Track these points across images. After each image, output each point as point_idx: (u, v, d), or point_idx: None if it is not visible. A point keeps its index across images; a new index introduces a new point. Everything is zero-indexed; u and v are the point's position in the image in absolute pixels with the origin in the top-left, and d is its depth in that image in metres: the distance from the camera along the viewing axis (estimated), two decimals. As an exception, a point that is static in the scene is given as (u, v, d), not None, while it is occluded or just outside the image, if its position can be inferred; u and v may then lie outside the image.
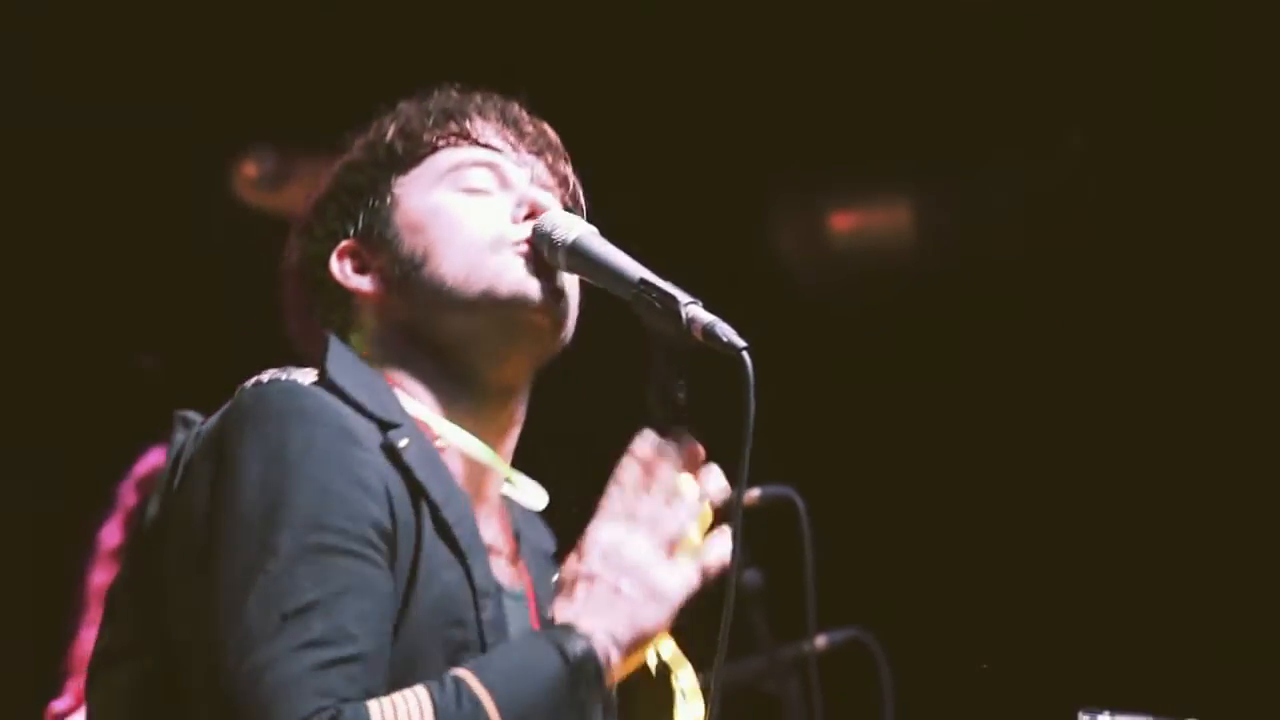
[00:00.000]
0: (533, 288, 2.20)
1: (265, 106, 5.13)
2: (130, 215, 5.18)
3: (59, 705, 3.96)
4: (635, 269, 2.15)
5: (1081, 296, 5.38)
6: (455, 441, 2.19)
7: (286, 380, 2.08)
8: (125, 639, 2.12)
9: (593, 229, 2.21)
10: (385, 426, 2.09)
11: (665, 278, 2.15)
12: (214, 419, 2.09)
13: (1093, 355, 5.34)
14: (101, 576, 4.02)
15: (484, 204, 2.25)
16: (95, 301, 5.25)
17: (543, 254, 2.20)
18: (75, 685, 3.96)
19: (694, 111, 5.29)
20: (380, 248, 2.25)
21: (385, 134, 2.31)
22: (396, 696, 1.95)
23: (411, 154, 2.29)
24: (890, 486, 5.39)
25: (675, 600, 2.07)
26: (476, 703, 1.95)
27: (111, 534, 4.07)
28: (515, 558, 2.28)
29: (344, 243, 2.28)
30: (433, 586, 2.06)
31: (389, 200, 2.27)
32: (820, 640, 4.18)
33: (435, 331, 2.21)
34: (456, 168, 2.27)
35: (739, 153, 5.46)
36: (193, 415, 2.13)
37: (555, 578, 2.10)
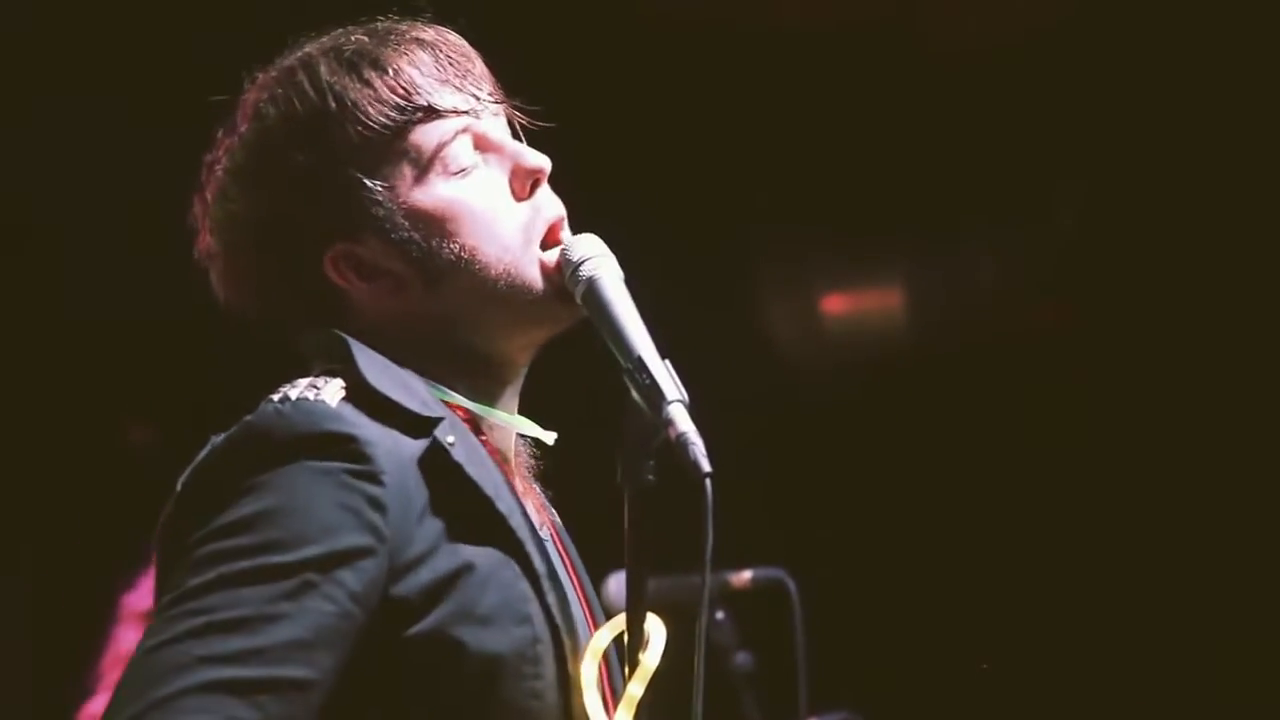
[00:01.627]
0: (564, 295, 2.16)
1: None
2: (126, 286, 5.18)
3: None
4: (637, 341, 2.10)
5: (1073, 377, 5.39)
6: (482, 415, 2.16)
7: (315, 401, 2.02)
8: None
9: (618, 272, 2.16)
10: (430, 424, 2.05)
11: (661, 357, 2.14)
12: (232, 432, 2.04)
13: (1085, 437, 5.35)
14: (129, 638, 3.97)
15: (488, 189, 2.17)
16: (84, 373, 5.25)
17: (565, 275, 2.17)
18: None
19: (682, 193, 5.31)
20: (391, 252, 2.13)
21: (323, 110, 2.13)
22: None
23: (375, 141, 2.13)
24: (881, 569, 5.38)
25: None
26: None
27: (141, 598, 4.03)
28: (533, 493, 2.26)
29: (337, 247, 2.14)
30: (489, 592, 2.02)
31: (379, 198, 2.13)
32: (811, 724, 4.16)
33: (469, 327, 2.16)
34: (439, 150, 2.15)
35: (728, 234, 5.48)
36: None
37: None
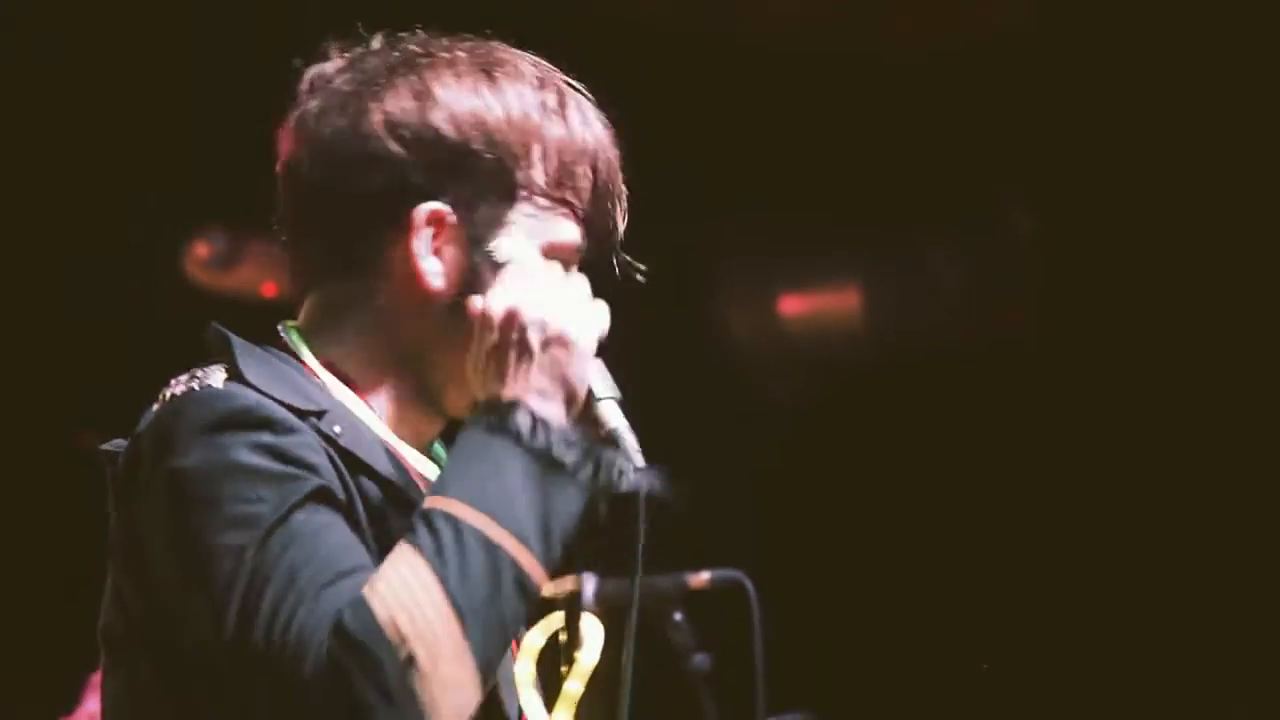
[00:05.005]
0: None
1: (217, 186, 5.13)
2: (81, 289, 5.16)
3: None
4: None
5: (1032, 380, 5.41)
6: (392, 445, 2.13)
7: (201, 389, 2.02)
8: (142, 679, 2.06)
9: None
10: (310, 415, 2.03)
11: (610, 366, 2.12)
12: (136, 445, 2.03)
13: (1044, 440, 5.36)
14: None
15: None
16: (38, 380, 5.23)
17: None
18: None
19: (640, 193, 5.30)
20: (467, 257, 2.10)
21: (565, 132, 2.12)
22: (383, 568, 1.92)
23: (546, 187, 2.11)
24: (839, 570, 5.39)
25: (588, 342, 2.05)
26: (451, 520, 1.92)
27: None
28: None
29: (442, 208, 2.09)
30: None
31: (505, 219, 2.10)
32: (769, 725, 4.16)
33: (441, 381, 2.13)
34: (562, 250, 2.12)
35: (686, 235, 5.49)
36: (115, 448, 2.08)
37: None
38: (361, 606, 1.89)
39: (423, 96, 2.09)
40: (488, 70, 2.12)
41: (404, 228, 2.09)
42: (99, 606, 2.13)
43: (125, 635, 2.07)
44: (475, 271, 2.10)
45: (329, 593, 1.90)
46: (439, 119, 2.09)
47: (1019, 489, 5.34)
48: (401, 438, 2.14)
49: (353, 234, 2.12)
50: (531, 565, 1.94)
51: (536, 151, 2.10)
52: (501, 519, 1.93)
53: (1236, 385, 5.23)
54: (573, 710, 2.10)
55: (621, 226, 2.18)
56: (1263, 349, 5.19)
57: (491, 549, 1.92)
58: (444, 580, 1.90)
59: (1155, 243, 5.26)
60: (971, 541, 5.33)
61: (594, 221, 2.15)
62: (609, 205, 2.17)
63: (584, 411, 2.05)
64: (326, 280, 2.15)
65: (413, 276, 2.10)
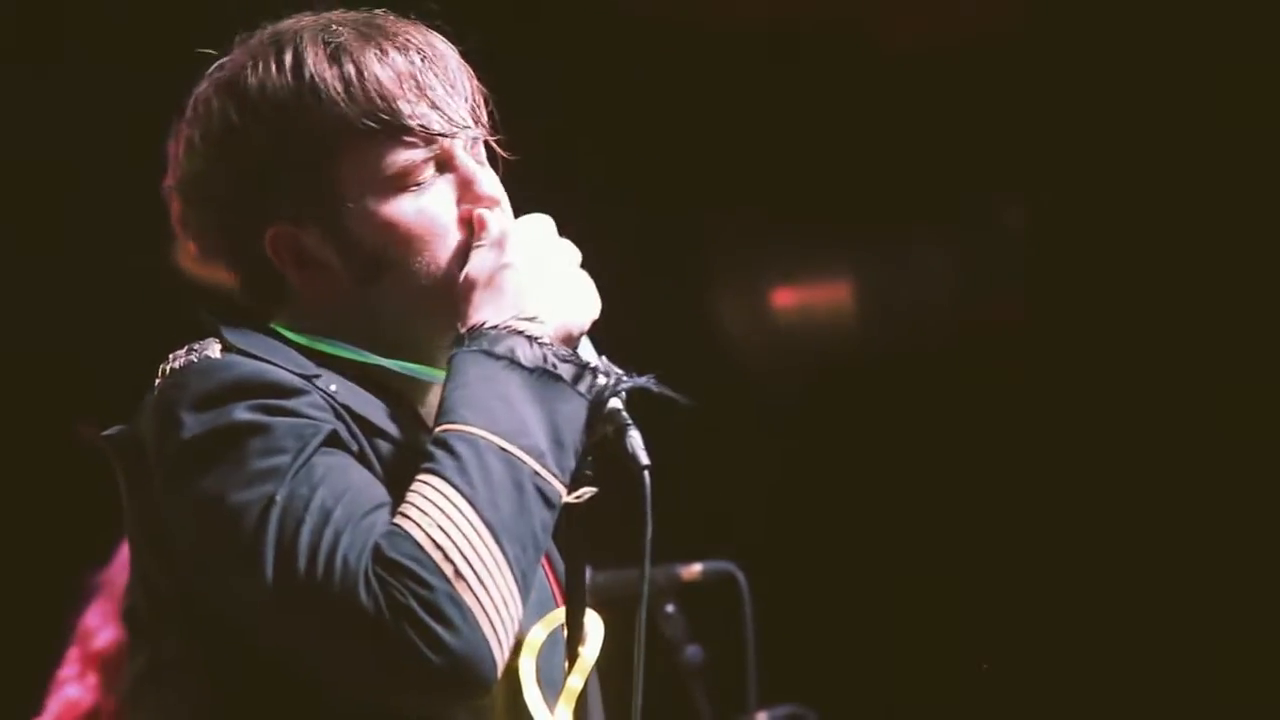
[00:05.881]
0: None
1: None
2: (73, 285, 5.16)
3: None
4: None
5: (1023, 375, 5.41)
6: (394, 368, 2.16)
7: (200, 360, 2.06)
8: (170, 653, 2.07)
9: None
10: (306, 379, 2.06)
11: (603, 350, 2.13)
12: (142, 424, 2.05)
13: (1035, 435, 5.36)
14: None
15: (435, 208, 2.16)
16: (36, 372, 5.23)
17: None
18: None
19: (633, 185, 5.31)
20: (330, 243, 2.15)
21: (298, 94, 2.13)
22: (409, 496, 1.94)
23: (340, 139, 2.13)
24: (831, 562, 5.39)
25: (559, 269, 2.12)
26: (466, 440, 1.96)
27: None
28: None
29: (279, 228, 2.16)
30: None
31: (328, 192, 2.14)
32: (761, 717, 4.17)
33: (395, 325, 2.16)
34: (399, 163, 2.13)
35: (679, 227, 5.49)
36: (115, 433, 2.10)
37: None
38: (397, 533, 1.92)
39: (190, 149, 2.20)
40: (232, 85, 2.17)
41: (270, 258, 2.17)
42: (64, 608, 2.12)
43: (150, 616, 2.08)
44: (344, 243, 2.14)
45: (366, 523, 1.93)
46: (211, 162, 2.17)
47: (1011, 482, 5.33)
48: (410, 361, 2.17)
49: (247, 278, 2.21)
50: (550, 476, 1.97)
51: (311, 123, 2.12)
52: (513, 435, 1.97)
53: (1228, 379, 5.23)
54: (573, 705, 2.10)
55: (454, 112, 2.16)
56: (1254, 341, 5.19)
57: (511, 463, 1.96)
58: (472, 498, 1.93)
59: (1146, 238, 5.26)
60: (963, 534, 5.33)
61: (426, 125, 2.15)
62: (438, 104, 2.15)
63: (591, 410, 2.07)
64: (269, 308, 2.21)
65: (313, 289, 2.17)
